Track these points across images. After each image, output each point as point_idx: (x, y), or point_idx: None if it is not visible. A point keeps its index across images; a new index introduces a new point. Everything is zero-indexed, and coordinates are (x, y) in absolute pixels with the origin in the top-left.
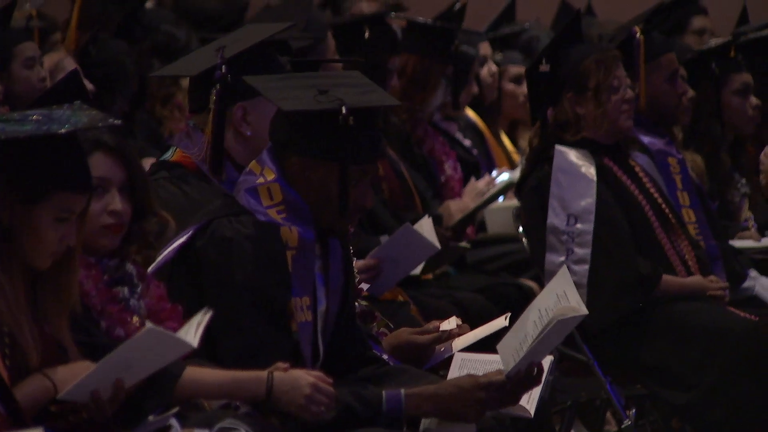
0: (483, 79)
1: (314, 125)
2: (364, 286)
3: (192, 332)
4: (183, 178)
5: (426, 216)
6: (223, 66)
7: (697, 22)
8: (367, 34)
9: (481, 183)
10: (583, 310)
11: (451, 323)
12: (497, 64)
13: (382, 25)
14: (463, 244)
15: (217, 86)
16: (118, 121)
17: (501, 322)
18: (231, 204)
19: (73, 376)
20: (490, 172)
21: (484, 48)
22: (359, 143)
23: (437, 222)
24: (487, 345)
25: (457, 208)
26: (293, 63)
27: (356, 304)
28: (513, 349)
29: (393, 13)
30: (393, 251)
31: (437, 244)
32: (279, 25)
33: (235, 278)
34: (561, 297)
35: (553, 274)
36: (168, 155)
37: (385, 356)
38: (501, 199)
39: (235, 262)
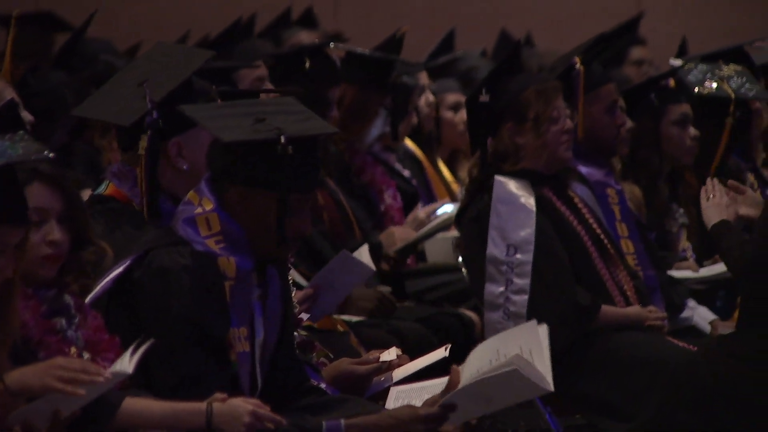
0: (420, 109)
1: (252, 154)
2: (304, 316)
3: (127, 359)
4: (116, 212)
5: (364, 245)
6: (154, 111)
7: (636, 52)
8: (307, 65)
9: (422, 213)
10: (548, 387)
11: (391, 354)
12: (434, 93)
13: (322, 56)
14: None
15: (149, 132)
16: (51, 154)
17: (441, 353)
18: (168, 234)
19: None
20: (430, 202)
21: (422, 77)
22: (297, 172)
23: (378, 250)
24: (426, 376)
25: (400, 235)
26: (222, 93)
27: (295, 333)
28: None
29: (332, 43)
30: (330, 278)
31: (373, 267)
32: (198, 55)
33: (172, 309)
34: (525, 352)
35: (492, 304)
36: (102, 189)
37: (324, 386)
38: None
39: (173, 293)
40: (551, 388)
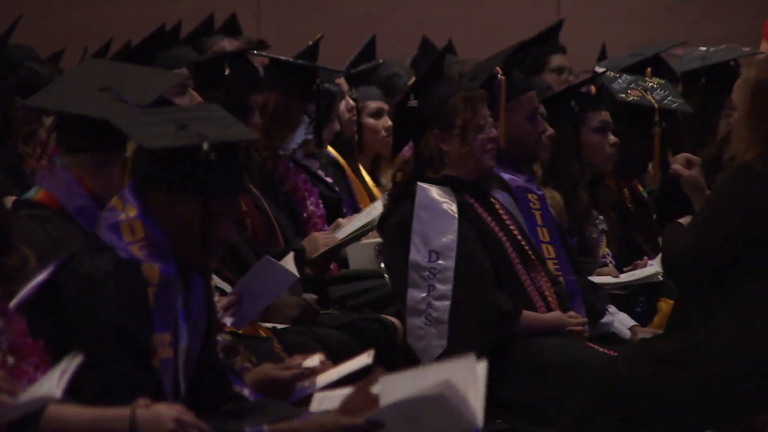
0: (341, 115)
1: (176, 161)
2: (228, 321)
3: (55, 380)
4: (45, 218)
5: (290, 253)
6: None
7: (556, 60)
8: (227, 71)
9: (345, 220)
10: (477, 423)
11: (314, 360)
12: (355, 100)
13: (242, 62)
14: None
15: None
16: None
17: (364, 359)
18: (93, 240)
19: None
20: (353, 209)
21: (342, 84)
22: (221, 178)
23: (301, 255)
24: (349, 382)
25: (323, 240)
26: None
27: (219, 338)
28: (388, 396)
29: (253, 51)
30: (253, 284)
31: (296, 274)
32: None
33: (96, 315)
34: (461, 385)
35: (414, 309)
36: (31, 194)
37: (247, 391)
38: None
39: (97, 299)
40: (480, 425)
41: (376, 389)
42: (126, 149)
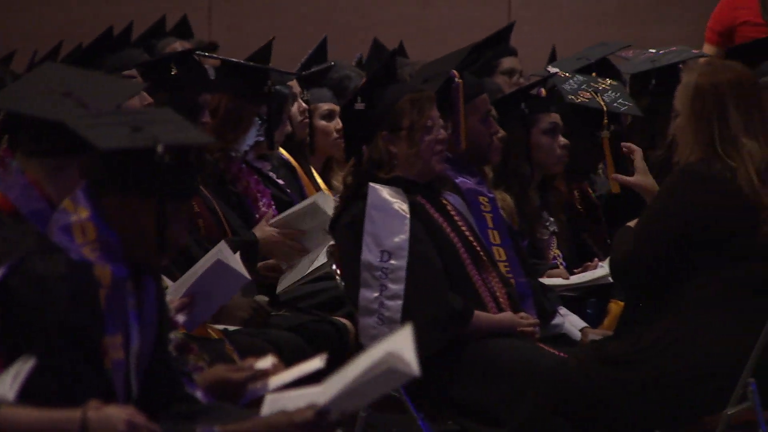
0: (293, 117)
1: (130, 162)
2: (180, 319)
3: (8, 383)
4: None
5: (236, 253)
6: None
7: (507, 62)
8: (173, 72)
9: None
10: (415, 371)
11: (266, 362)
12: (307, 101)
13: (189, 63)
14: None
15: None
16: None
17: (316, 363)
18: (44, 242)
19: None
20: None
21: (294, 86)
22: (175, 180)
23: (253, 249)
24: (302, 384)
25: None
26: None
27: (172, 336)
28: (333, 387)
29: (201, 51)
30: (204, 286)
31: (247, 275)
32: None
33: (47, 317)
34: (393, 345)
35: (367, 309)
36: None
37: (199, 393)
38: None
39: (48, 301)
40: (417, 372)
41: (322, 387)
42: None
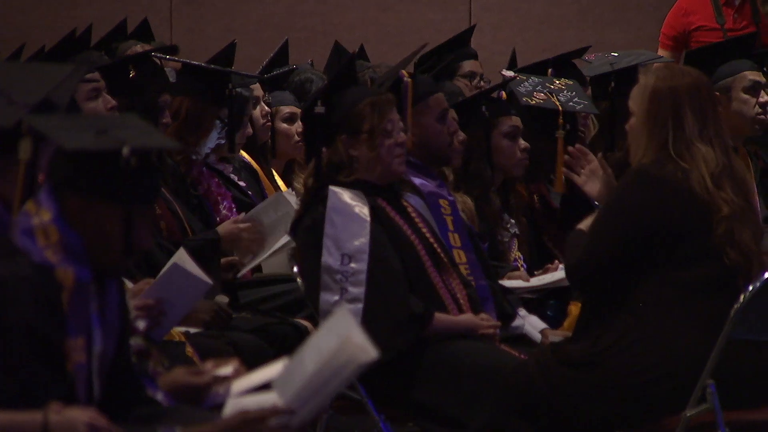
0: (256, 120)
1: (95, 165)
2: (142, 324)
3: None
4: None
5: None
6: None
7: (467, 65)
8: (132, 74)
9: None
10: (372, 353)
11: (228, 366)
12: (269, 104)
13: (148, 65)
14: None
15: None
16: None
17: (279, 367)
18: (5, 244)
19: None
20: None
21: (256, 89)
22: (140, 184)
23: (215, 246)
24: (264, 388)
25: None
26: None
27: (132, 342)
28: (290, 386)
29: (162, 54)
30: (166, 293)
31: (207, 279)
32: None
33: (9, 319)
34: (343, 335)
35: (327, 313)
36: None
37: (161, 396)
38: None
39: (9, 303)
40: (375, 354)
41: (279, 386)
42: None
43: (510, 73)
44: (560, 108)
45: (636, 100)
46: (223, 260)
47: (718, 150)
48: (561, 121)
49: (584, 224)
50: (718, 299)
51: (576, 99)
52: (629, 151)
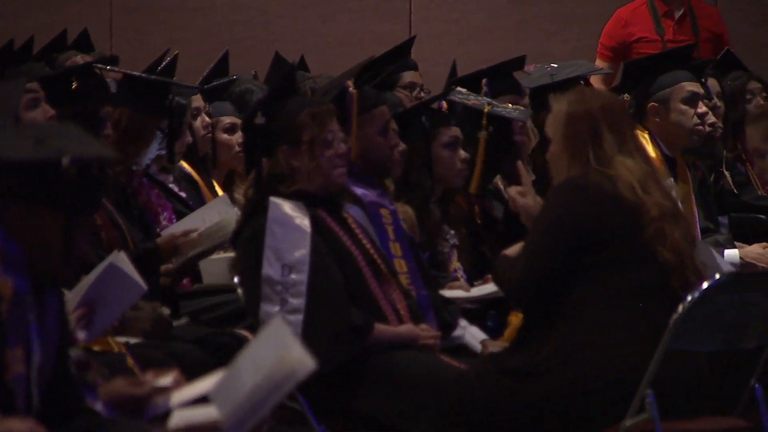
0: (197, 131)
1: (34, 175)
2: (80, 335)
3: None
4: None
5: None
6: None
7: (408, 76)
8: (74, 85)
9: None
10: (311, 365)
11: (168, 376)
12: (209, 115)
13: (90, 76)
14: None
15: None
16: None
17: (215, 378)
18: None
19: None
20: None
21: (197, 100)
22: (81, 193)
23: (155, 256)
24: (205, 399)
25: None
26: None
27: (72, 353)
28: (229, 399)
29: (102, 65)
30: (100, 292)
31: (143, 285)
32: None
33: None
34: (281, 348)
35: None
36: None
37: (100, 406)
38: None
39: None
40: (313, 365)
41: (216, 400)
42: None
43: (460, 89)
44: (486, 109)
45: (552, 127)
46: (162, 267)
47: (640, 160)
48: (485, 122)
49: (510, 251)
50: (654, 304)
51: (509, 108)
52: (551, 177)
